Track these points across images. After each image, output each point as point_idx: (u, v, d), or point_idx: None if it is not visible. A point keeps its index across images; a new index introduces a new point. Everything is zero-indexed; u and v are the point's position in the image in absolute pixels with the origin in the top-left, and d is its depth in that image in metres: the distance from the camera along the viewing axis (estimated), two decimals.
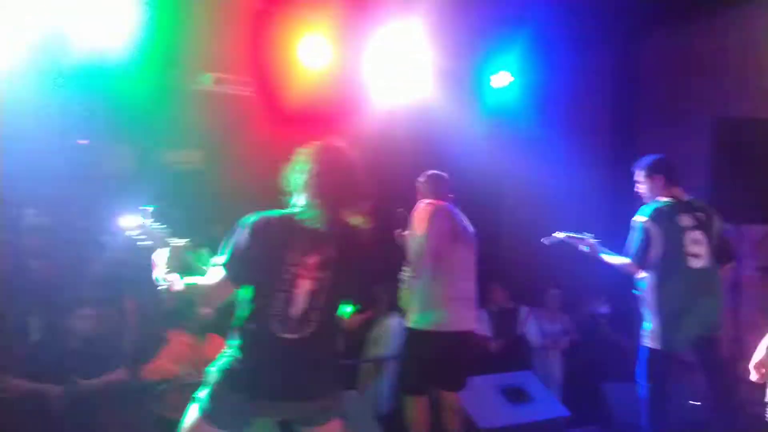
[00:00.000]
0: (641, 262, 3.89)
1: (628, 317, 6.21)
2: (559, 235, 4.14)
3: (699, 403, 4.32)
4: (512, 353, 5.63)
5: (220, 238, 2.49)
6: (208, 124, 5.09)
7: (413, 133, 5.72)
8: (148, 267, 2.62)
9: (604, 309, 6.19)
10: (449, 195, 4.11)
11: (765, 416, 3.49)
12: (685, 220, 3.90)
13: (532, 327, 5.91)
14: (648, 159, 4.11)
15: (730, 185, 4.16)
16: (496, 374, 4.54)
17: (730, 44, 5.78)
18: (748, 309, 4.67)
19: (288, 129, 5.02)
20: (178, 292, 2.55)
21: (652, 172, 4.03)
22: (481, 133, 6.02)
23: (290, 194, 2.53)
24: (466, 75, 6.01)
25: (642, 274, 3.95)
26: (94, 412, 3.79)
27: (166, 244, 2.61)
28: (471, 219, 6.20)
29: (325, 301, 2.46)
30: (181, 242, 2.61)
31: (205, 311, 4.28)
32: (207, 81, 4.91)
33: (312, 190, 2.47)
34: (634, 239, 3.92)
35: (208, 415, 2.44)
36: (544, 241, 4.17)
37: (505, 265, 6.55)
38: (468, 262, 3.95)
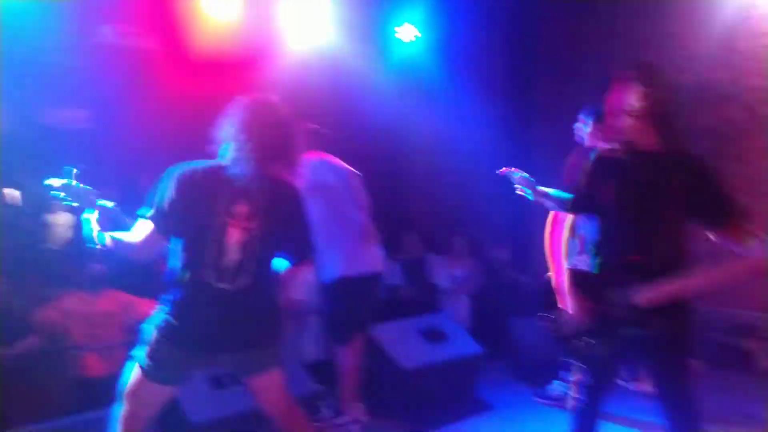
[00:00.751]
0: None
1: (525, 260, 6.64)
2: (505, 170, 4.30)
3: None
4: (422, 299, 5.88)
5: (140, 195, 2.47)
6: (108, 79, 4.84)
7: (321, 86, 5.71)
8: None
9: (504, 253, 6.57)
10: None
11: None
12: None
13: (440, 273, 6.19)
14: (591, 107, 4.38)
15: None
16: (414, 317, 4.72)
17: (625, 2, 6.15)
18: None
19: (195, 81, 4.90)
20: (109, 250, 2.51)
21: (596, 118, 4.32)
22: (387, 84, 6.09)
23: (218, 145, 2.52)
24: (372, 26, 6.02)
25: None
26: (11, 380, 3.66)
27: (93, 205, 2.55)
28: (379, 169, 6.34)
29: (258, 251, 2.47)
30: (108, 203, 2.55)
31: (96, 267, 4.22)
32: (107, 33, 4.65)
33: (240, 142, 2.46)
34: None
35: (147, 371, 2.44)
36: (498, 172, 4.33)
37: (415, 216, 6.76)
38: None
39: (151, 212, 2.43)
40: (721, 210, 2.49)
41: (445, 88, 6.25)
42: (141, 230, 2.46)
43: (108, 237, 2.49)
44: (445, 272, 6.19)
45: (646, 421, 4.07)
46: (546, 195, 4.26)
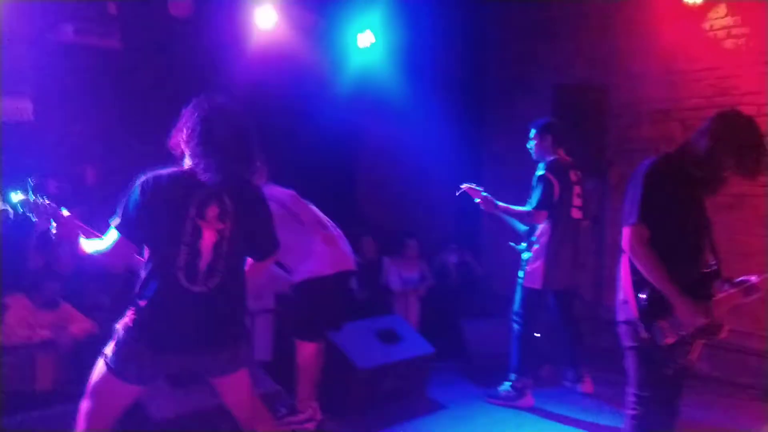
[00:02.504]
0: (548, 209, 4.38)
1: (473, 264, 6.84)
2: (464, 186, 4.47)
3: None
4: (376, 301, 5.99)
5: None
6: (62, 75, 4.77)
7: (278, 89, 5.76)
8: None
9: (453, 256, 6.75)
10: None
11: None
12: (572, 175, 4.52)
13: (392, 275, 6.32)
14: (540, 121, 4.62)
15: (569, 144, 4.73)
16: (368, 319, 4.83)
17: (568, 14, 6.41)
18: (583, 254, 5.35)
19: (152, 83, 4.89)
20: (80, 258, 2.54)
21: (544, 132, 4.55)
22: (345, 89, 6.17)
23: (180, 150, 2.56)
24: (331, 31, 6.10)
25: (542, 221, 4.45)
26: None
27: (54, 217, 2.59)
28: (336, 173, 6.42)
29: (227, 252, 2.52)
30: (66, 212, 2.59)
31: (52, 285, 4.29)
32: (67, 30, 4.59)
33: (200, 145, 2.49)
34: (539, 189, 4.39)
35: (114, 370, 2.47)
36: (458, 193, 4.48)
37: (367, 219, 6.87)
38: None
39: (118, 220, 2.47)
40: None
41: (401, 95, 6.37)
42: (109, 239, 2.49)
43: (77, 248, 2.54)
44: (397, 274, 6.32)
45: (591, 422, 4.30)
46: (506, 209, 4.49)
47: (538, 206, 4.38)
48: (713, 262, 2.78)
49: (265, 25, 5.41)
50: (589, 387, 4.73)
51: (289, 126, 5.93)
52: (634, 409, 2.80)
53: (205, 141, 2.49)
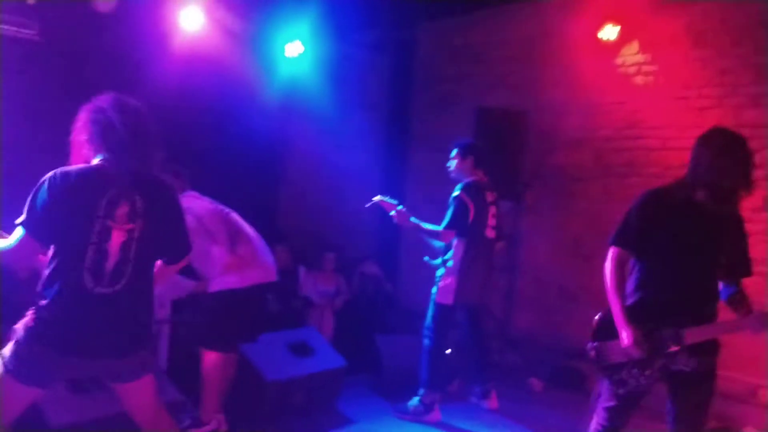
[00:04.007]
0: (460, 229, 4.47)
1: (389, 277, 6.91)
2: (377, 198, 4.50)
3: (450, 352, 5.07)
4: (289, 312, 5.94)
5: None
6: None
7: (202, 94, 5.66)
8: None
9: (372, 269, 6.80)
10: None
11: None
12: (489, 196, 4.64)
13: (308, 287, 6.29)
14: (462, 141, 4.73)
15: (489, 165, 4.88)
16: (281, 331, 4.78)
17: (493, 40, 6.62)
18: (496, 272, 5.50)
19: (74, 76, 4.71)
20: None
21: (466, 153, 4.65)
22: (272, 99, 6.14)
23: (87, 147, 2.51)
24: (260, 39, 6.06)
25: (452, 240, 4.52)
26: None
27: None
28: (254, 181, 6.31)
29: (136, 253, 2.47)
30: None
31: None
32: None
33: (110, 143, 2.47)
34: (452, 209, 4.47)
35: (13, 371, 2.37)
36: (367, 205, 4.49)
37: (287, 229, 6.82)
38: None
39: (24, 218, 2.39)
40: (747, 260, 2.89)
41: (327, 107, 6.39)
42: (15, 236, 2.40)
43: None
44: (314, 286, 6.30)
45: None
46: (418, 226, 4.56)
47: (448, 226, 4.49)
48: (723, 284, 2.90)
49: (191, 26, 5.32)
50: (495, 403, 4.85)
51: (211, 131, 5.84)
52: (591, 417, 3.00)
53: (103, 137, 2.46)
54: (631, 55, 5.69)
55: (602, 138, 5.84)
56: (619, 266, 2.88)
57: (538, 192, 6.06)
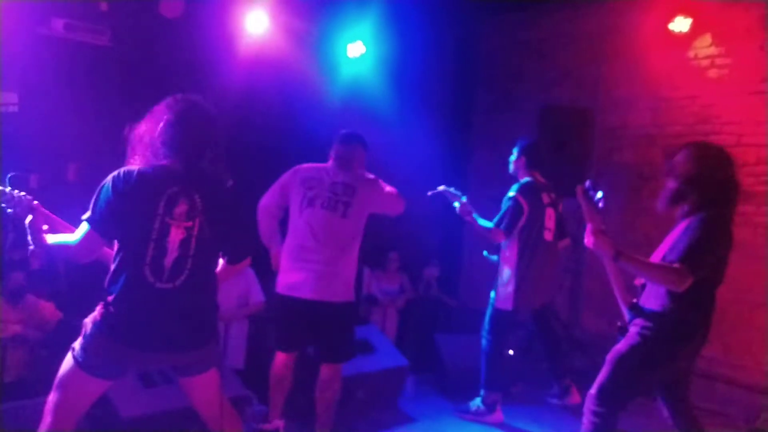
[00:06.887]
0: (509, 230, 4.40)
1: (452, 279, 6.86)
2: (441, 188, 4.47)
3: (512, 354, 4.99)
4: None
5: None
6: (49, 69, 4.75)
7: (267, 96, 5.77)
8: None
9: (434, 271, 6.77)
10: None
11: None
12: (545, 197, 4.54)
13: (372, 286, 6.32)
14: (522, 140, 4.65)
15: (553, 164, 4.78)
16: None
17: (558, 36, 6.49)
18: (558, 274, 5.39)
19: (140, 82, 4.88)
20: (36, 255, 2.55)
21: (520, 152, 4.58)
22: (334, 100, 6.19)
23: (150, 147, 2.56)
24: (322, 40, 6.12)
25: (503, 241, 4.46)
26: None
27: (30, 210, 2.61)
28: None
29: (197, 250, 2.53)
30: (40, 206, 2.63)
31: (17, 276, 4.26)
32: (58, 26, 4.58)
33: (170, 142, 2.53)
34: (504, 209, 4.41)
35: (82, 364, 2.47)
36: (430, 193, 4.47)
37: None
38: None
39: (89, 215, 2.48)
40: None
41: (389, 107, 6.40)
42: (80, 232, 2.50)
43: (47, 240, 2.55)
44: (378, 286, 6.33)
45: None
46: (475, 222, 4.49)
47: (497, 225, 4.41)
48: None
49: (256, 30, 5.42)
50: (576, 398, 4.60)
51: (275, 131, 5.93)
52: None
53: (173, 138, 2.53)
54: (704, 48, 5.48)
55: (673, 134, 5.63)
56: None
57: (605, 191, 5.88)
